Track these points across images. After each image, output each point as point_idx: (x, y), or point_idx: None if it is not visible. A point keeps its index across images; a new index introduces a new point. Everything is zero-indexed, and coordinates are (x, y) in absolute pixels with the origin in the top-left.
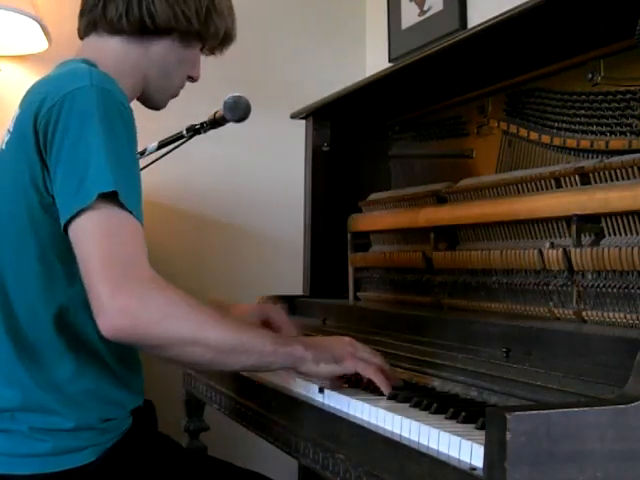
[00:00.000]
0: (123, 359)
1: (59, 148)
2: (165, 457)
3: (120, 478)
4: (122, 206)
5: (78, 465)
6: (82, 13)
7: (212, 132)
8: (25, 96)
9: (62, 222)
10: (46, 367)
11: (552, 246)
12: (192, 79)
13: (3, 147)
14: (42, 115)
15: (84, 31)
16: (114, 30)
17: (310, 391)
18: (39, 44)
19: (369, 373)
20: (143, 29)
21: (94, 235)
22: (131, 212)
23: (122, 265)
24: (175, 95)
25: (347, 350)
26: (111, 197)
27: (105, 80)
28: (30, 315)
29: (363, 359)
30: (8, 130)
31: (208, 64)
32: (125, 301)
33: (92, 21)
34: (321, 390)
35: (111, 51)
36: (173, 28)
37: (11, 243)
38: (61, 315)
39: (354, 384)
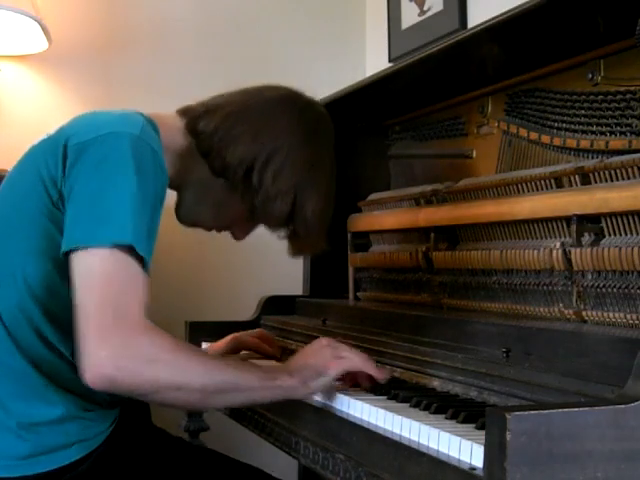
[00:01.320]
0: None
1: (88, 179)
2: (159, 451)
3: (115, 474)
4: (137, 258)
5: (67, 463)
6: (198, 103)
7: None
8: (79, 116)
9: (68, 244)
10: (32, 358)
11: (562, 245)
12: (233, 236)
13: (35, 143)
14: (79, 142)
15: (179, 110)
16: (190, 132)
17: None
18: (39, 44)
19: (357, 365)
20: (206, 153)
21: (99, 277)
22: (143, 266)
23: (115, 315)
24: (202, 227)
25: (327, 355)
26: (127, 248)
27: (153, 139)
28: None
29: (345, 357)
30: (48, 132)
31: (208, 64)
32: (108, 351)
33: (187, 111)
34: None
35: (175, 137)
36: (222, 173)
37: (19, 239)
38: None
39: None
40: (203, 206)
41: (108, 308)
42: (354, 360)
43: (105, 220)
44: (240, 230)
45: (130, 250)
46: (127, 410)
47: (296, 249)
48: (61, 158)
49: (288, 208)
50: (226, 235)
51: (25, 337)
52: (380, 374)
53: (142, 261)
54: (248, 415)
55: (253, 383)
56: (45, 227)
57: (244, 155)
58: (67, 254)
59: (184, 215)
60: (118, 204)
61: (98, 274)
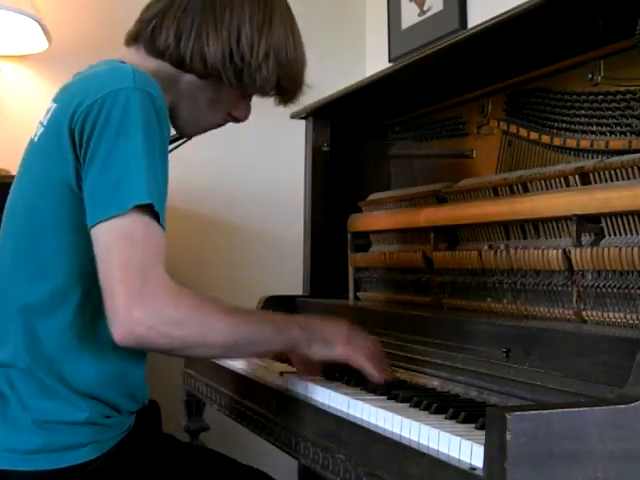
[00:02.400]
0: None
1: (96, 147)
2: (169, 456)
3: (123, 477)
4: (154, 217)
5: (78, 462)
6: (136, 23)
7: (212, 132)
8: (62, 91)
9: (91, 222)
10: (61, 363)
11: (562, 245)
12: (236, 119)
13: (35, 139)
14: (81, 111)
15: (127, 40)
16: (154, 54)
17: (310, 391)
18: (39, 44)
19: (358, 363)
20: (181, 64)
21: (123, 241)
22: (160, 224)
23: (142, 276)
24: (211, 129)
25: (342, 335)
26: (145, 207)
27: (147, 83)
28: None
29: (357, 346)
30: (41, 123)
31: None
32: (140, 313)
33: (136, 35)
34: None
35: (146, 66)
36: (211, 69)
37: (38, 235)
38: (75, 315)
39: (355, 383)
40: (200, 111)
41: (136, 271)
42: (358, 359)
43: (120, 185)
44: (240, 111)
45: (149, 209)
46: (141, 418)
47: (285, 100)
48: (69, 140)
49: (274, 70)
50: (226, 236)
51: (51, 336)
52: (375, 376)
53: (158, 217)
54: (248, 415)
55: (267, 335)
56: (75, 222)
57: (221, 45)
58: (92, 228)
59: (187, 128)
60: (129, 166)
61: (122, 238)
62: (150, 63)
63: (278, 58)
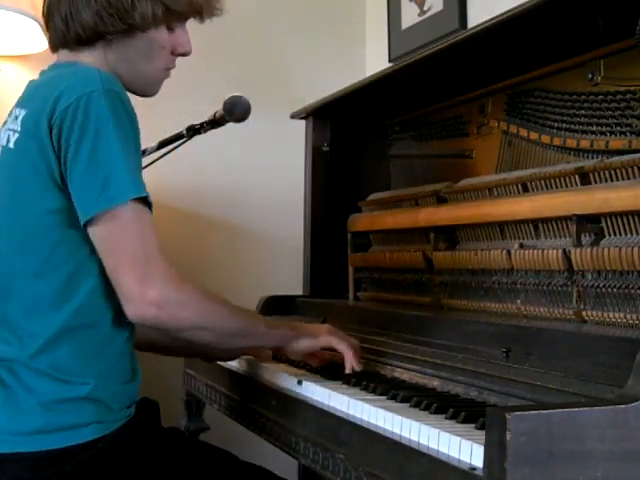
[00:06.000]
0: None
1: (76, 149)
2: (172, 447)
3: (125, 462)
4: (148, 207)
5: (81, 442)
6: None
7: (212, 132)
8: (28, 96)
9: (84, 219)
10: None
11: (562, 245)
12: (182, 54)
13: (10, 146)
14: (57, 114)
15: (52, 50)
16: (67, 47)
17: (310, 391)
18: (39, 44)
19: (342, 347)
20: (80, 40)
21: (126, 233)
22: (151, 213)
23: (147, 262)
24: (165, 76)
25: (324, 329)
26: (139, 199)
27: (114, 83)
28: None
29: (339, 335)
30: (12, 130)
31: (208, 64)
32: (152, 295)
33: (51, 43)
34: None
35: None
36: (104, 32)
37: (31, 235)
38: (78, 310)
39: (355, 383)
40: (142, 66)
41: (141, 257)
42: (341, 344)
43: (107, 181)
44: (180, 45)
45: (145, 203)
46: (141, 410)
47: (202, 16)
48: (49, 141)
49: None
50: (226, 236)
51: (49, 331)
52: (353, 363)
53: (149, 206)
54: (248, 415)
55: (260, 329)
56: (67, 217)
57: (89, 9)
58: (86, 224)
59: (144, 90)
60: (113, 162)
61: (126, 229)
62: (76, 56)
63: None
